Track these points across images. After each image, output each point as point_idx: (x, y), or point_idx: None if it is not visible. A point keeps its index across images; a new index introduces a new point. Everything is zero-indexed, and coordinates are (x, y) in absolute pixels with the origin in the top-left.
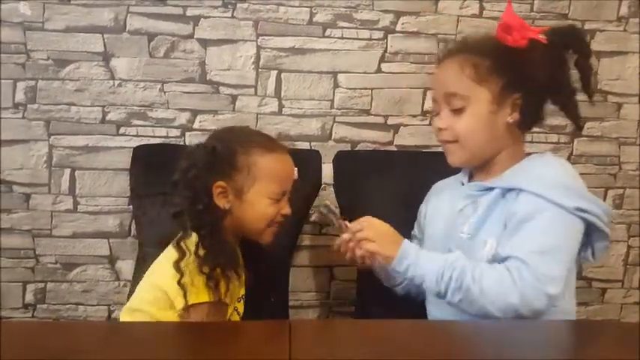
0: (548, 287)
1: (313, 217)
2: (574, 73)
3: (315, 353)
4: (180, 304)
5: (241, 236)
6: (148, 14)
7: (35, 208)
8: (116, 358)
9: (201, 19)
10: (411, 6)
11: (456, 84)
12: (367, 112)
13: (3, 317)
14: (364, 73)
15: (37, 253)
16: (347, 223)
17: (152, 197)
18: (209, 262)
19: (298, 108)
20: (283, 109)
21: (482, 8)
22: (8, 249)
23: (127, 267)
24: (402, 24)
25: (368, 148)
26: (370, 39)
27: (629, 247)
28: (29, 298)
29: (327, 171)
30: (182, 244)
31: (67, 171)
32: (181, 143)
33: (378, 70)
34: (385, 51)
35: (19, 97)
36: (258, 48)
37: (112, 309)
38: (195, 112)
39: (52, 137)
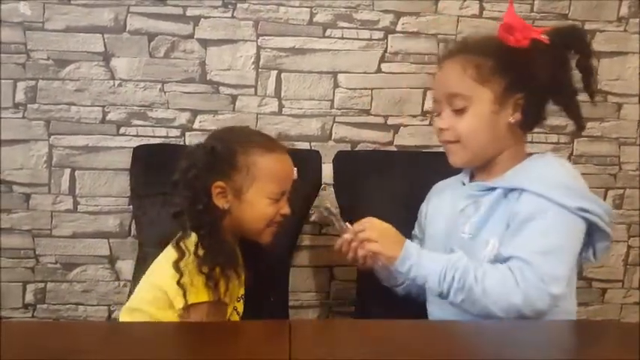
0: (551, 287)
1: (313, 218)
2: (575, 74)
3: (315, 353)
4: (179, 303)
5: (240, 236)
6: (148, 14)
7: (35, 208)
8: (116, 358)
9: (202, 19)
10: (411, 6)
11: (458, 84)
12: (367, 112)
13: (3, 317)
14: (364, 73)
15: (37, 253)
16: (348, 224)
17: (152, 197)
18: (208, 261)
19: (298, 108)
20: (283, 109)
21: (482, 8)
22: (8, 249)
23: (127, 267)
24: (402, 24)
25: (368, 148)
26: (370, 39)
27: (629, 247)
28: (29, 298)
29: (327, 171)
30: (181, 244)
31: (67, 171)
32: (181, 143)
33: (378, 70)
34: (385, 51)
35: (19, 97)
36: (259, 48)
37: (112, 309)
38: (195, 112)
39: (52, 137)
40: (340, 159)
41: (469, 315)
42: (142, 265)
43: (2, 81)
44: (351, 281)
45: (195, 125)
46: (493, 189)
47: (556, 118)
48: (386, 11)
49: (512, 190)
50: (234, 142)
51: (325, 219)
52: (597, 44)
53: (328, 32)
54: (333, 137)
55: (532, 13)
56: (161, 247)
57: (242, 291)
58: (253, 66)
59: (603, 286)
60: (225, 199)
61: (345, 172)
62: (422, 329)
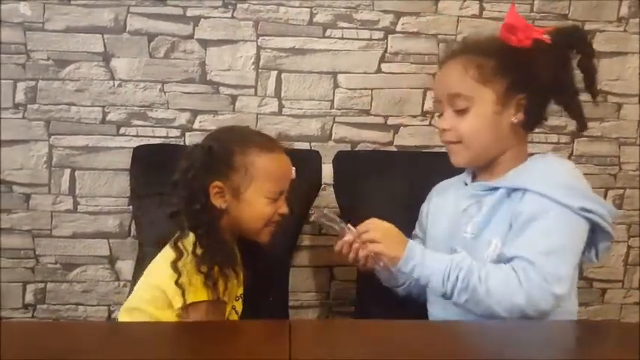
0: (555, 287)
1: (312, 218)
2: (577, 74)
3: (315, 353)
4: (178, 303)
5: (239, 235)
6: (148, 14)
7: (35, 209)
8: (116, 358)
9: (202, 19)
10: (411, 6)
11: (460, 85)
12: (367, 113)
13: (3, 317)
14: (364, 73)
15: (37, 253)
16: (350, 225)
17: (152, 197)
18: (207, 261)
19: (298, 108)
20: (283, 109)
21: (482, 9)
22: (8, 249)
23: (126, 267)
24: (402, 24)
25: (368, 149)
26: (370, 39)
27: (629, 247)
28: (29, 298)
29: (327, 171)
30: (179, 244)
31: (67, 171)
32: (181, 143)
33: (378, 71)
34: (385, 51)
35: (20, 97)
36: (259, 48)
37: (111, 309)
38: (195, 113)
39: (52, 137)
40: (340, 159)
41: (470, 315)
42: (141, 266)
43: (2, 81)
44: (351, 281)
45: (195, 125)
46: (496, 189)
47: (556, 118)
48: (386, 11)
49: (514, 190)
50: (232, 142)
51: (323, 224)
52: (597, 44)
53: (328, 32)
54: (333, 137)
55: (532, 14)
56: (160, 247)
57: (241, 290)
58: (253, 66)
59: (603, 286)
60: (222, 198)
61: (345, 173)
62: (422, 329)
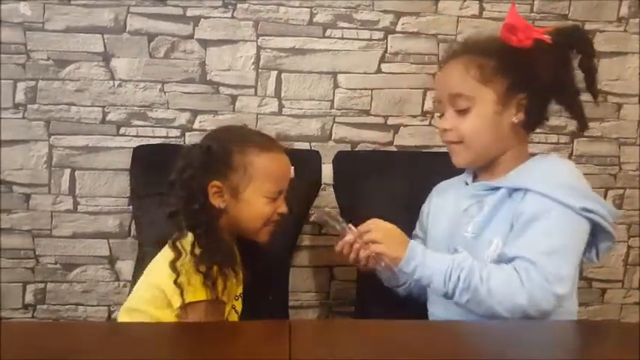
0: (557, 287)
1: (312, 219)
2: (578, 74)
3: (315, 353)
4: (177, 302)
5: (238, 235)
6: (148, 14)
7: (35, 209)
8: (116, 359)
9: (202, 19)
10: (411, 6)
11: (461, 85)
12: (367, 113)
13: (3, 318)
14: (364, 73)
15: (37, 253)
16: (351, 225)
17: (152, 197)
18: (205, 260)
19: (298, 108)
20: (283, 109)
21: (482, 9)
22: (8, 249)
23: (126, 267)
24: (402, 24)
25: (368, 149)
26: (370, 39)
27: (629, 247)
28: (29, 298)
29: (327, 171)
30: (178, 244)
31: (67, 171)
32: (181, 143)
33: (378, 71)
34: (385, 51)
35: (20, 97)
36: (259, 48)
37: (112, 309)
38: (195, 113)
39: (52, 137)
40: (340, 159)
41: (471, 315)
42: (141, 266)
43: (2, 81)
44: (351, 281)
45: (195, 125)
46: (497, 189)
47: (556, 118)
48: (386, 11)
49: (516, 190)
50: (231, 142)
51: (325, 223)
52: (597, 44)
53: (328, 32)
54: (333, 137)
55: (532, 14)
56: (160, 247)
57: (240, 289)
58: (253, 66)
59: (603, 286)
60: (221, 198)
61: (345, 173)
62: (422, 329)
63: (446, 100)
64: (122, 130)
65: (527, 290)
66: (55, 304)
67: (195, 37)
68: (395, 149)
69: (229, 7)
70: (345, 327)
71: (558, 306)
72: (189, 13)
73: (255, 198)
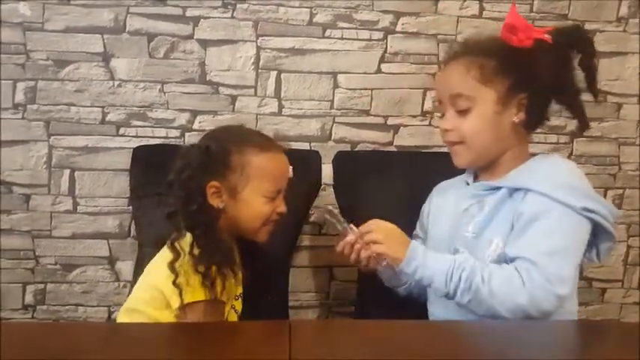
0: (558, 288)
1: (313, 218)
2: (578, 73)
3: (315, 353)
4: (176, 303)
5: (237, 235)
6: (148, 15)
7: (35, 209)
8: (116, 359)
9: (201, 19)
10: (411, 6)
11: (462, 85)
12: (367, 113)
13: (3, 318)
14: (364, 73)
15: (36, 254)
16: (352, 226)
17: (151, 198)
18: (204, 261)
19: (298, 108)
20: (283, 109)
21: (482, 9)
22: (8, 250)
23: (126, 268)
24: (402, 24)
25: (368, 149)
26: (370, 39)
27: (628, 247)
28: (29, 299)
29: (327, 171)
30: (176, 244)
31: (67, 172)
32: (181, 144)
33: (378, 71)
34: (385, 51)
35: (19, 97)
36: (258, 48)
37: (111, 310)
38: (194, 113)
39: (52, 138)
40: (340, 159)
41: (471, 315)
42: (141, 266)
43: (2, 81)
44: (351, 281)
45: (195, 126)
46: (498, 189)
47: (556, 118)
48: (386, 11)
49: (516, 189)
50: (229, 142)
51: (326, 221)
52: (597, 44)
53: (328, 32)
54: (332, 137)
55: (532, 14)
56: (159, 247)
57: (240, 289)
58: (253, 66)
59: (603, 285)
60: (220, 198)
61: (345, 173)
62: (422, 329)
63: (446, 100)
64: (122, 131)
65: (528, 291)
66: (54, 305)
67: (194, 37)
68: (395, 149)
69: (229, 7)
70: (345, 327)
71: (559, 306)
72: (189, 13)
73: (253, 198)
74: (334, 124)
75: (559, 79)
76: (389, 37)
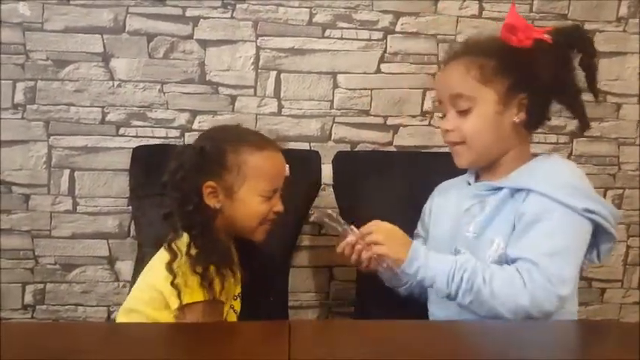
0: (559, 289)
1: (312, 219)
2: (578, 73)
3: (314, 353)
4: (175, 304)
5: (234, 234)
6: (148, 15)
7: (34, 209)
8: (115, 359)
9: (201, 19)
10: (411, 6)
11: (462, 85)
12: (367, 113)
13: (2, 318)
14: (364, 73)
15: (36, 253)
16: (353, 227)
17: (151, 198)
18: (202, 261)
19: (298, 108)
20: (283, 109)
21: (481, 9)
22: (7, 250)
23: (126, 268)
24: (402, 24)
25: (367, 149)
26: (370, 39)
27: (628, 247)
28: (28, 299)
29: (327, 171)
30: (173, 245)
31: (67, 172)
32: (180, 144)
33: (378, 71)
34: (385, 51)
35: (19, 97)
36: (258, 48)
37: (111, 310)
38: (194, 113)
39: (52, 138)
40: (340, 159)
41: (472, 315)
42: (141, 266)
43: (2, 81)
44: (350, 281)
45: (195, 126)
46: (499, 189)
47: (555, 118)
48: (385, 11)
49: (518, 190)
50: (224, 142)
51: (326, 225)
52: (596, 44)
53: (327, 33)
54: (332, 138)
55: (531, 14)
56: (159, 247)
57: (239, 289)
58: (253, 66)
59: (603, 285)
60: (216, 198)
61: (345, 173)
62: (422, 329)
63: (447, 100)
64: (121, 131)
65: (529, 291)
66: (54, 305)
67: (194, 37)
68: (394, 149)
69: (228, 7)
70: (344, 327)
71: (561, 307)
72: (189, 13)
73: (250, 197)
74: (334, 124)
75: (559, 78)
76: (388, 37)
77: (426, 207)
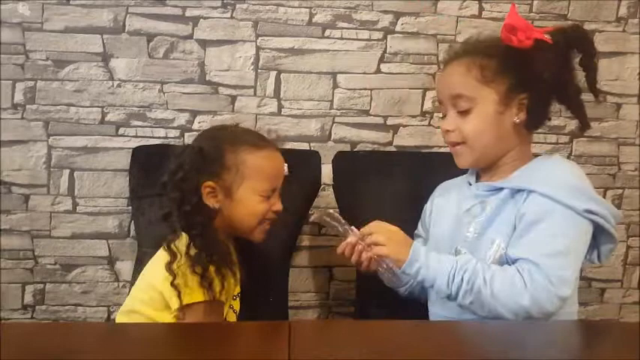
0: (560, 289)
1: (312, 219)
2: (578, 73)
3: (314, 354)
4: (175, 304)
5: (233, 234)
6: (147, 15)
7: (34, 209)
8: (115, 359)
9: (201, 19)
10: (411, 6)
11: (462, 85)
12: (366, 113)
13: (2, 318)
14: (363, 73)
15: (36, 254)
16: (353, 228)
17: (151, 198)
18: (201, 261)
19: (297, 108)
20: (282, 109)
21: (481, 9)
22: (7, 250)
23: (126, 268)
24: (402, 24)
25: (367, 149)
26: (369, 39)
27: (628, 247)
28: (28, 299)
29: (327, 171)
30: (172, 245)
31: (66, 172)
32: (180, 144)
33: (378, 71)
34: (384, 51)
35: (18, 97)
36: (258, 48)
37: (111, 310)
38: (194, 113)
39: (51, 138)
40: (339, 159)
41: (473, 315)
42: (141, 266)
43: (1, 82)
44: (350, 282)
45: (195, 126)
46: (500, 189)
47: (555, 118)
48: (385, 11)
49: (519, 190)
50: (223, 142)
51: (327, 224)
52: (596, 44)
53: (327, 33)
54: (332, 138)
55: (531, 14)
56: (158, 247)
57: (238, 289)
58: (252, 66)
59: (602, 285)
60: (215, 198)
61: (345, 173)
62: (422, 329)
63: (447, 101)
64: (121, 131)
65: (530, 292)
66: (54, 305)
67: (194, 37)
68: (394, 149)
69: (228, 7)
70: (344, 327)
71: (561, 307)
72: (189, 13)
73: (248, 197)
74: (334, 124)
75: (559, 78)
76: (388, 37)
77: (427, 207)
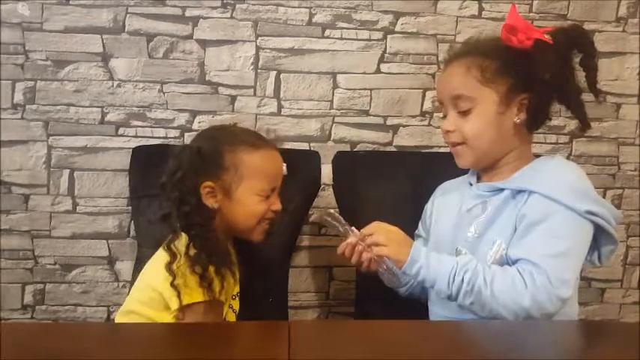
0: (560, 290)
1: (312, 218)
2: (579, 73)
3: (314, 354)
4: (175, 304)
5: (232, 234)
6: (147, 15)
7: (34, 209)
8: (115, 359)
9: (201, 19)
10: (410, 6)
11: (463, 86)
12: (366, 113)
13: (2, 318)
14: (363, 73)
15: (35, 254)
16: (354, 228)
17: (151, 198)
18: (201, 261)
19: (297, 108)
20: (282, 109)
21: (481, 9)
22: (7, 250)
23: (126, 268)
24: (402, 24)
25: (367, 149)
26: (369, 39)
27: (628, 247)
28: (28, 299)
29: (327, 171)
30: (172, 246)
31: (66, 172)
32: (180, 144)
33: (377, 71)
34: (384, 51)
35: (18, 97)
36: (258, 48)
37: (111, 310)
38: (194, 113)
39: (51, 138)
40: (339, 159)
41: (473, 315)
42: (140, 266)
43: (1, 82)
44: (350, 281)
45: (194, 126)
46: (501, 190)
47: (555, 118)
48: (385, 11)
49: (520, 191)
50: (221, 142)
51: (327, 224)
52: (596, 44)
53: (327, 33)
54: (332, 138)
55: (531, 14)
56: (158, 247)
57: (237, 289)
58: (252, 66)
59: (602, 285)
60: (214, 198)
61: (345, 173)
62: (422, 329)
63: (448, 101)
64: (121, 131)
65: (530, 293)
66: (54, 305)
67: (194, 37)
68: (394, 149)
69: (228, 7)
70: (344, 327)
71: (561, 308)
72: (188, 13)
73: (247, 196)
74: (334, 124)
75: (560, 79)
76: (388, 37)
77: (427, 207)
